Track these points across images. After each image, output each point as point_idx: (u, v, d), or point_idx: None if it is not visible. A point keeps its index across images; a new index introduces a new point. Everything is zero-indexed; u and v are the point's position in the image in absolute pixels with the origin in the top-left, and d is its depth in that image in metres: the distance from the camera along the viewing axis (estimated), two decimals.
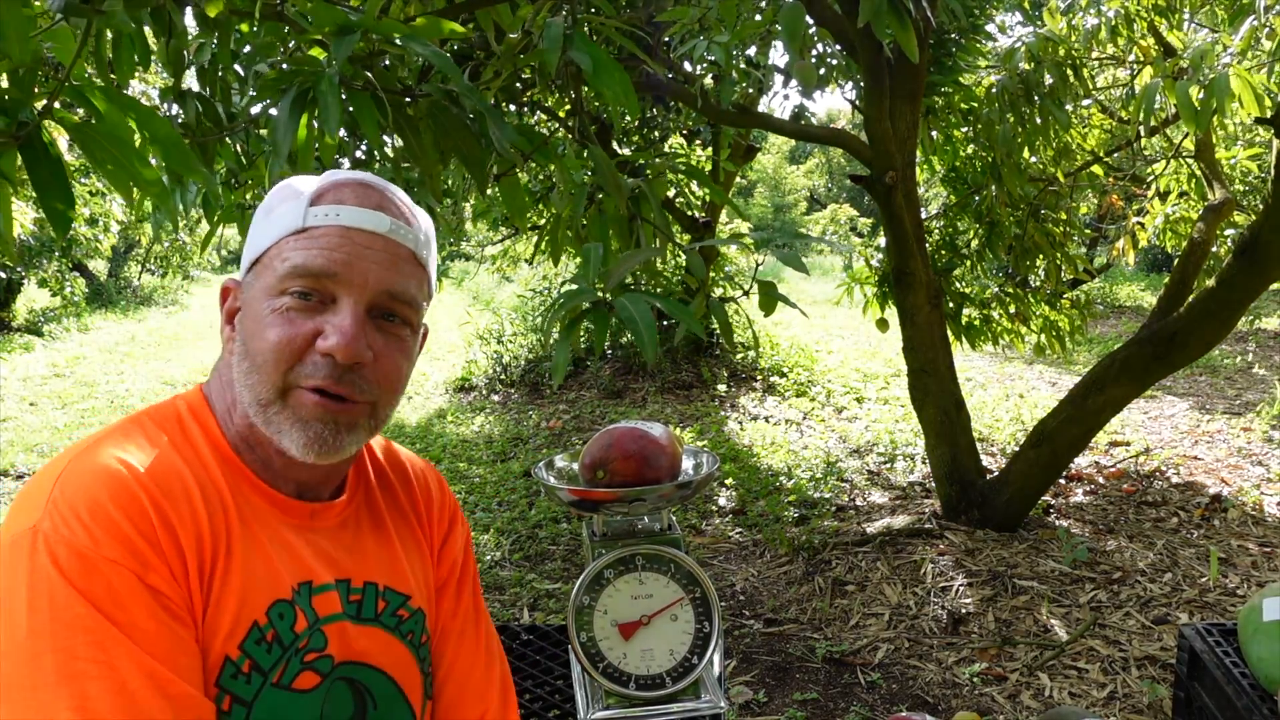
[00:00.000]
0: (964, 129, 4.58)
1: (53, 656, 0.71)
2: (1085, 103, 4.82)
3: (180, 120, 1.78)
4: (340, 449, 0.86)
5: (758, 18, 2.66)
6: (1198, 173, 4.90)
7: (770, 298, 1.34)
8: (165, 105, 1.88)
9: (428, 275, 0.92)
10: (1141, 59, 4.59)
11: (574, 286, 1.21)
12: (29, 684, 0.70)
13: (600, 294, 1.17)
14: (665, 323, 6.14)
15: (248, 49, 1.85)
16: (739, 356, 7.72)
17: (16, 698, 0.70)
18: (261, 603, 0.83)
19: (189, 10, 1.54)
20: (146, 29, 1.52)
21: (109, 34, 1.48)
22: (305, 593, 0.87)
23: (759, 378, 7.44)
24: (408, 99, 1.34)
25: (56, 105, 1.03)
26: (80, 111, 1.05)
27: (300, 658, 0.85)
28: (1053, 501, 4.37)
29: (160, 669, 0.74)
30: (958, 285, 4.68)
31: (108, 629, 0.72)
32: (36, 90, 1.03)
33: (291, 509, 0.89)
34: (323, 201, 0.85)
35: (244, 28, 1.80)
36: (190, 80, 1.91)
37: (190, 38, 1.71)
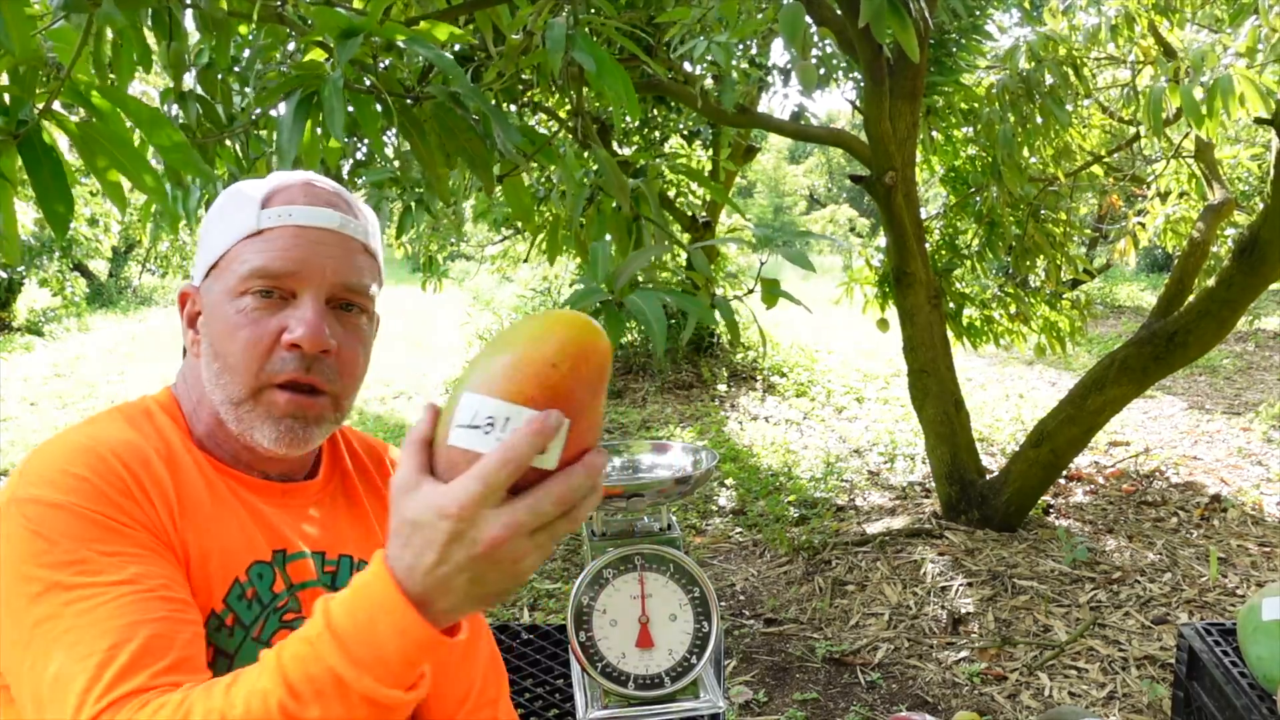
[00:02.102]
0: (964, 129, 4.59)
1: (37, 607, 0.74)
2: (1085, 102, 4.83)
3: (181, 122, 1.78)
4: (309, 441, 0.90)
5: (759, 17, 2.66)
6: (1198, 173, 4.91)
7: (773, 294, 1.35)
8: (166, 107, 1.88)
9: (378, 264, 0.96)
10: (1142, 59, 4.59)
11: (582, 286, 1.21)
12: (21, 638, 0.74)
13: (609, 293, 1.17)
14: (670, 321, 6.13)
15: (247, 53, 1.86)
16: (739, 356, 7.73)
17: (13, 653, 0.74)
18: (241, 563, 0.87)
19: (189, 11, 1.54)
20: (147, 30, 1.52)
21: (109, 34, 1.48)
22: (280, 559, 0.90)
23: (759, 378, 7.44)
24: (412, 101, 1.34)
25: (56, 107, 1.03)
26: (80, 113, 1.05)
27: (279, 616, 0.89)
28: (1053, 501, 4.37)
29: (145, 578, 0.77)
30: (958, 285, 4.68)
31: (88, 560, 0.76)
32: (38, 91, 1.03)
33: (262, 488, 0.93)
34: (274, 203, 0.89)
35: (243, 30, 1.80)
36: (190, 82, 1.91)
37: (191, 41, 1.72)
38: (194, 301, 0.93)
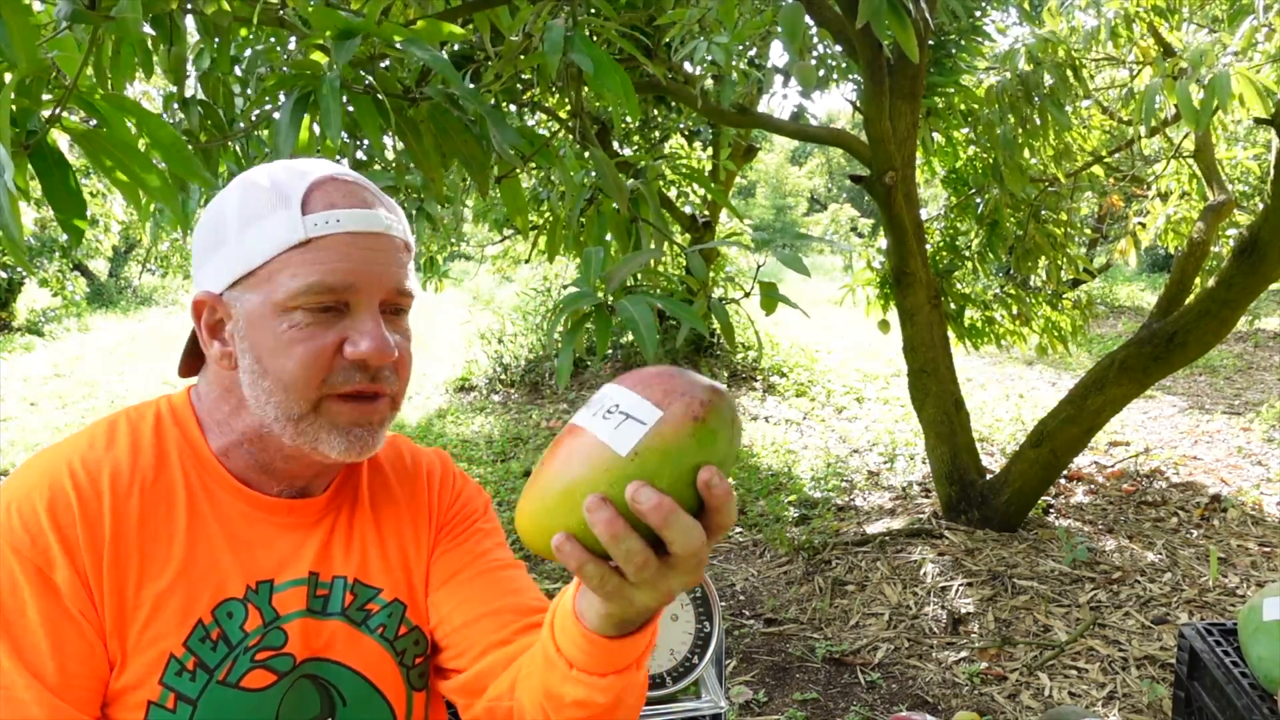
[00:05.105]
0: (964, 130, 4.59)
1: None
2: (1085, 103, 4.83)
3: (183, 127, 1.78)
4: (376, 444, 0.88)
5: (758, 19, 2.66)
6: (1198, 173, 4.91)
7: (771, 298, 1.35)
8: (168, 113, 1.88)
9: (412, 255, 0.93)
10: (1141, 59, 4.60)
11: (575, 289, 1.21)
12: None
13: (602, 296, 1.17)
14: (665, 322, 6.13)
15: (249, 53, 1.86)
16: (739, 357, 7.73)
17: None
18: (207, 602, 0.84)
19: (189, 16, 1.54)
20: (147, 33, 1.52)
21: (110, 39, 1.48)
22: (264, 591, 0.87)
23: (759, 378, 7.44)
24: (409, 101, 1.34)
25: (62, 113, 1.03)
26: (88, 120, 1.06)
27: (250, 656, 0.85)
28: (1053, 501, 4.37)
29: (19, 667, 0.77)
30: (959, 286, 4.68)
31: None
32: (44, 99, 1.04)
33: (266, 506, 0.90)
34: (315, 207, 0.83)
35: (244, 33, 1.80)
36: (192, 86, 1.91)
37: (191, 44, 1.72)
38: (214, 310, 0.86)
